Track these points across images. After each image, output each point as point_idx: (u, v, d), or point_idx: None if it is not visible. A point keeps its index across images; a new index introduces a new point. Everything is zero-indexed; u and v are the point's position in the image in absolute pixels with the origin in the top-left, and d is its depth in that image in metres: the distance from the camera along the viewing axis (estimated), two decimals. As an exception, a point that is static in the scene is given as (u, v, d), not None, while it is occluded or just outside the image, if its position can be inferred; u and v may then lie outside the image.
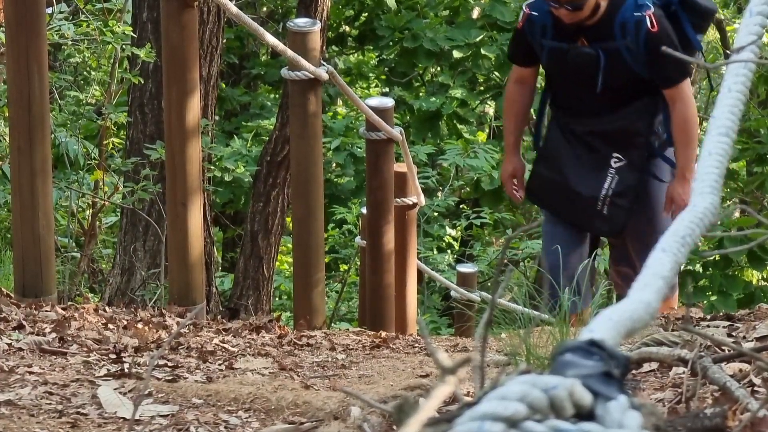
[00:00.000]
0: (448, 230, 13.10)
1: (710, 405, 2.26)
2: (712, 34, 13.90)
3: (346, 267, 12.33)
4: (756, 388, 2.42)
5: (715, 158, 1.53)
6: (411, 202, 7.60)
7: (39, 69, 4.35)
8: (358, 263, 9.15)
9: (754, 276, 10.78)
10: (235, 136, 12.71)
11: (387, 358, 3.97)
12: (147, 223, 7.99)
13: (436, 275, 9.84)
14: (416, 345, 4.47)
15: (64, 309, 4.26)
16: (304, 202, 5.69)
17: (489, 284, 11.49)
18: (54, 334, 3.72)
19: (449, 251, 12.95)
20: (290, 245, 9.50)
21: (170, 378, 3.21)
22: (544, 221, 5.09)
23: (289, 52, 5.53)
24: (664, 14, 4.76)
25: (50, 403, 2.84)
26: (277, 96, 13.88)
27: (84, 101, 8.53)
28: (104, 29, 7.97)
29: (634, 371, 2.77)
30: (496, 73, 13.02)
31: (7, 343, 3.51)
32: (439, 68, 13.83)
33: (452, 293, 9.35)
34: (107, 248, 9.42)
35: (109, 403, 2.85)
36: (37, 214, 4.37)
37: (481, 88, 13.45)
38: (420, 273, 8.64)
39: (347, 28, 14.59)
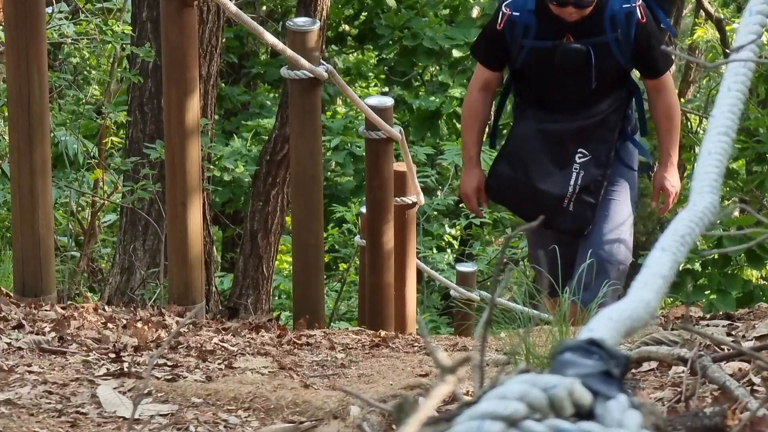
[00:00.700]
0: (448, 229, 13.10)
1: (710, 404, 2.26)
2: (711, 33, 13.90)
3: (345, 266, 12.34)
4: (755, 388, 2.42)
5: (714, 157, 1.53)
6: (410, 202, 7.60)
7: (39, 68, 4.35)
8: (358, 262, 9.15)
9: (753, 275, 10.78)
10: (235, 136, 12.71)
11: (386, 358, 3.97)
12: (146, 223, 7.99)
13: (436, 274, 9.84)
14: (416, 344, 4.47)
15: (63, 308, 4.26)
16: (304, 202, 5.69)
17: (488, 283, 11.50)
18: (53, 334, 3.72)
19: (449, 250, 12.96)
20: (290, 244, 9.50)
21: (170, 377, 3.21)
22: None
23: (289, 52, 5.53)
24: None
25: (50, 403, 2.84)
26: (276, 95, 13.88)
27: (84, 100, 8.53)
28: (104, 28, 7.97)
29: (633, 370, 2.77)
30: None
31: (6, 343, 3.51)
32: (438, 67, 13.84)
33: (452, 292, 9.35)
34: (107, 247, 9.42)
35: (108, 403, 2.85)
36: (37, 214, 4.38)
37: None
38: (419, 272, 8.64)
39: (347, 28, 14.59)
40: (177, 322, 4.42)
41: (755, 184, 9.27)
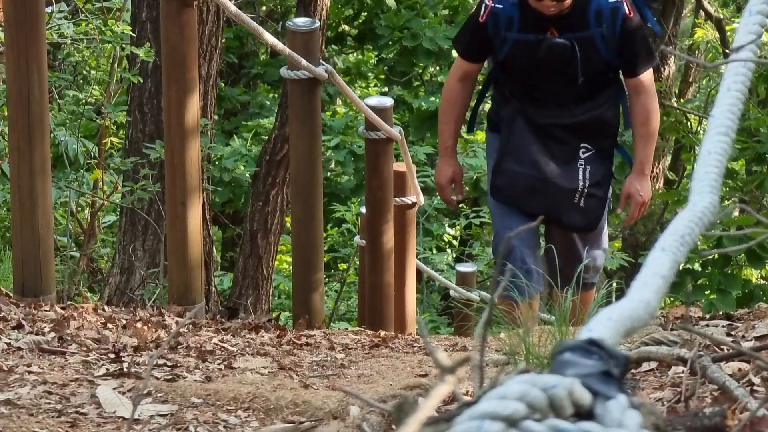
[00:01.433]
0: (448, 229, 13.10)
1: (709, 404, 2.26)
2: (711, 33, 13.90)
3: (345, 266, 12.34)
4: (755, 388, 2.42)
5: (714, 157, 1.53)
6: (410, 202, 7.60)
7: (38, 68, 4.35)
8: (358, 262, 9.15)
9: (753, 274, 10.78)
10: (235, 136, 12.72)
11: (386, 358, 3.97)
12: (146, 223, 7.99)
13: (436, 275, 9.84)
14: (415, 344, 4.47)
15: (63, 308, 4.26)
16: (304, 202, 5.69)
17: (488, 283, 11.49)
18: (53, 334, 3.72)
19: (448, 250, 12.96)
20: (290, 244, 9.50)
21: (169, 377, 3.21)
22: (497, 214, 4.85)
23: (289, 52, 5.53)
24: None
25: (49, 403, 2.84)
26: (276, 95, 13.88)
27: (83, 100, 8.53)
28: (103, 28, 7.97)
29: (633, 370, 2.77)
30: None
31: (6, 343, 3.51)
32: (438, 67, 13.84)
33: (451, 292, 9.35)
34: (106, 248, 9.42)
35: (108, 403, 2.85)
36: (37, 214, 4.37)
37: (480, 87, 13.45)
38: (419, 272, 8.64)
39: (346, 28, 14.60)
40: (177, 323, 4.42)
41: (755, 184, 9.27)
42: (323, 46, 9.22)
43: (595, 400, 1.06)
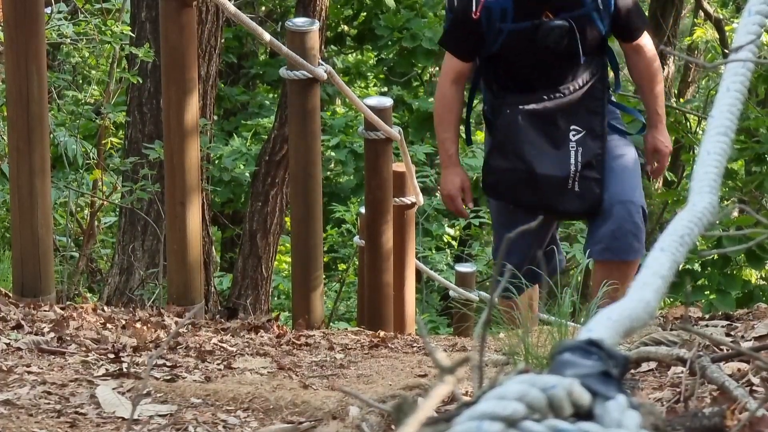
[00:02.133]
0: (447, 229, 13.11)
1: (709, 404, 2.26)
2: (711, 33, 13.90)
3: (344, 266, 12.34)
4: (754, 388, 2.42)
5: (713, 158, 1.53)
6: (409, 202, 7.60)
7: (38, 68, 4.35)
8: (357, 263, 9.15)
9: (752, 275, 10.79)
10: (235, 135, 12.72)
11: (385, 358, 3.97)
12: (146, 223, 7.99)
13: (435, 275, 9.84)
14: (415, 344, 4.47)
15: (62, 309, 4.26)
16: (303, 202, 5.69)
17: (487, 284, 11.50)
18: (52, 334, 3.72)
19: (448, 251, 12.96)
20: (289, 245, 9.51)
21: (169, 377, 3.21)
22: (498, 215, 4.78)
23: (288, 52, 5.53)
24: None
25: (49, 403, 2.84)
26: (275, 95, 13.88)
27: (83, 101, 8.53)
28: (103, 29, 7.97)
29: (632, 371, 2.77)
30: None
31: (5, 343, 3.51)
32: (437, 68, 13.83)
33: (451, 293, 9.35)
34: (106, 248, 9.42)
35: (107, 403, 2.85)
36: (36, 214, 4.37)
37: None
38: (419, 272, 8.65)
39: (346, 28, 14.60)
40: (176, 323, 4.42)
41: (754, 184, 9.27)
42: (322, 47, 9.21)
43: (595, 401, 1.06)
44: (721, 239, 7.88)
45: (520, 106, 4.58)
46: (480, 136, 12.34)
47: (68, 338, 3.71)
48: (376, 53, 14.34)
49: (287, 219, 9.96)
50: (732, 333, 3.27)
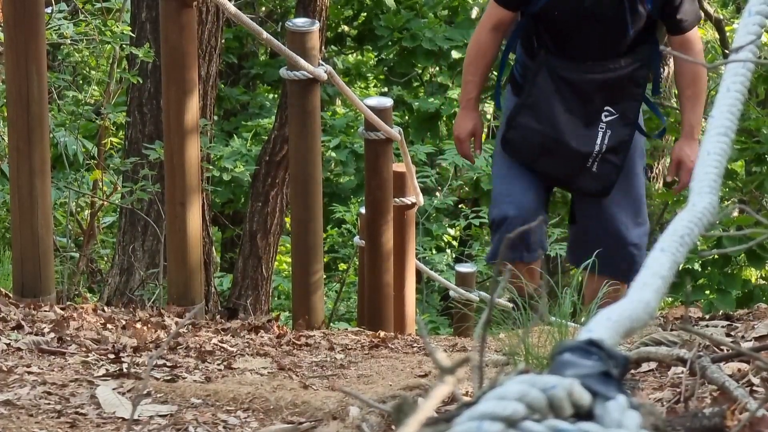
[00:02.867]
0: (447, 230, 13.11)
1: (709, 405, 2.26)
2: (711, 33, 13.90)
3: (345, 267, 12.34)
4: (755, 388, 2.42)
5: (713, 158, 1.53)
6: (410, 202, 7.61)
7: (38, 69, 4.35)
8: (357, 263, 9.15)
9: (753, 275, 10.79)
10: (235, 136, 12.72)
11: (386, 358, 3.97)
12: (146, 223, 7.99)
13: (435, 275, 9.84)
14: (415, 345, 4.47)
15: (62, 309, 4.26)
16: (303, 202, 5.69)
17: (488, 284, 11.50)
18: (53, 334, 3.72)
19: (448, 251, 12.96)
20: (289, 245, 9.51)
21: (169, 378, 3.21)
22: (498, 164, 4.64)
23: (288, 52, 5.53)
24: None
25: (49, 403, 2.84)
26: (276, 96, 13.88)
27: (83, 101, 8.53)
28: (103, 29, 7.97)
29: (632, 371, 2.77)
30: (495, 74, 13.02)
31: (5, 343, 3.51)
32: (438, 68, 13.84)
33: (451, 293, 9.36)
34: (106, 248, 9.42)
35: (107, 403, 2.85)
36: (36, 214, 4.37)
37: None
38: (419, 273, 8.65)
39: (346, 28, 14.60)
40: (176, 323, 4.42)
41: (755, 184, 9.28)
42: (323, 47, 9.22)
43: (595, 401, 1.06)
44: (721, 239, 7.88)
45: (561, 73, 4.44)
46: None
47: (68, 338, 3.71)
48: (376, 53, 14.34)
49: (287, 219, 9.96)
50: (732, 333, 3.27)
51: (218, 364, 3.57)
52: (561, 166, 4.47)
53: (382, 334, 4.99)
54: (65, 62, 9.23)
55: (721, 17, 13.92)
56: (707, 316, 3.95)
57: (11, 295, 4.43)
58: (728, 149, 1.55)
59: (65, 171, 8.40)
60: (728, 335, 3.23)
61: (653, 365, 2.79)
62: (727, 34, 13.33)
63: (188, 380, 3.22)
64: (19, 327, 3.77)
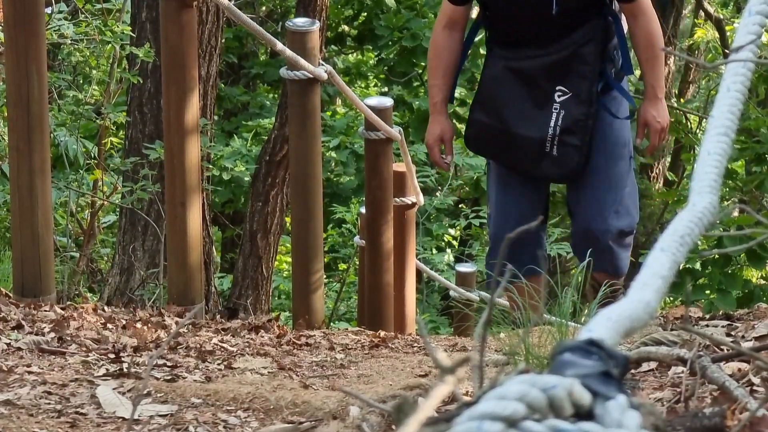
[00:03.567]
0: (448, 229, 13.11)
1: (709, 404, 2.26)
2: (711, 33, 13.90)
3: (345, 266, 12.34)
4: (755, 388, 2.42)
5: (713, 158, 1.53)
6: (410, 202, 7.61)
7: (38, 69, 4.35)
8: (357, 263, 9.15)
9: (753, 274, 10.80)
10: (235, 136, 12.72)
11: (386, 358, 3.97)
12: (146, 223, 7.99)
13: (435, 275, 9.84)
14: (415, 344, 4.47)
15: (62, 309, 4.26)
16: (303, 202, 5.69)
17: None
18: (53, 334, 3.72)
19: (448, 251, 12.96)
20: (289, 245, 9.51)
21: (169, 378, 3.21)
22: (491, 172, 4.60)
23: (288, 52, 5.53)
24: None
25: (49, 403, 2.84)
26: (276, 95, 13.89)
27: (83, 101, 8.53)
28: (103, 29, 7.97)
29: (633, 371, 2.77)
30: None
31: (6, 343, 3.51)
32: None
33: (451, 293, 9.36)
34: (106, 248, 9.43)
35: (108, 403, 2.85)
36: (36, 214, 4.37)
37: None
38: (419, 272, 8.65)
39: (346, 28, 14.60)
40: (176, 323, 4.42)
41: (755, 184, 9.28)
42: (323, 47, 9.22)
43: (595, 401, 1.06)
44: (721, 239, 7.88)
45: (504, 62, 4.39)
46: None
47: (69, 338, 3.71)
48: (376, 53, 14.34)
49: (288, 219, 9.96)
50: (732, 333, 3.27)
51: (218, 364, 3.57)
52: (518, 156, 4.40)
53: (382, 333, 4.99)
54: (65, 62, 9.23)
55: (721, 17, 13.93)
56: (707, 316, 3.95)
57: (11, 294, 4.43)
58: (728, 149, 1.55)
59: (65, 171, 8.40)
60: (728, 335, 3.23)
61: (653, 365, 2.79)
62: (727, 33, 13.34)
63: (188, 380, 3.22)
64: (19, 327, 3.77)
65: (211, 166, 9.10)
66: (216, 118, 11.42)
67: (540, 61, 4.36)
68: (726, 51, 12.87)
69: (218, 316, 5.82)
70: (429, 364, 3.64)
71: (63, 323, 3.89)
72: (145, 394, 2.89)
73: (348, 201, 12.73)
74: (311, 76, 5.56)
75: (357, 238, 8.58)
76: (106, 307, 4.69)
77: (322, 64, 5.71)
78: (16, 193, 4.43)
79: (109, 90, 8.57)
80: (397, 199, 7.33)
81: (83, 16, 8.55)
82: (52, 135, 7.35)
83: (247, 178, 11.40)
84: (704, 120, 13.45)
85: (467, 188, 13.41)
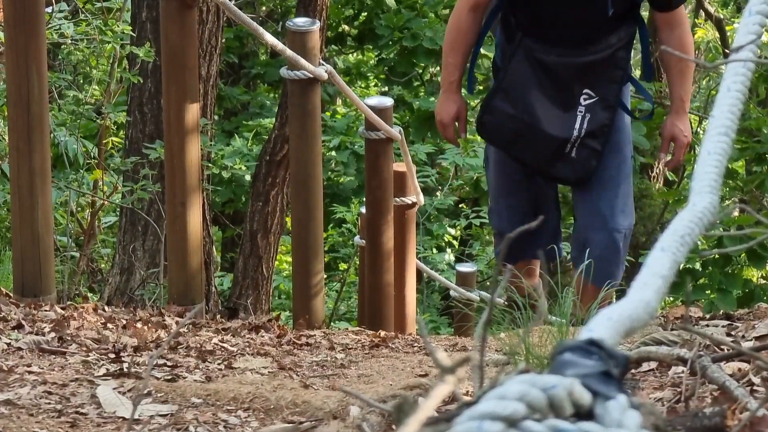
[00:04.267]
0: (448, 229, 13.11)
1: (709, 404, 2.26)
2: (711, 33, 13.90)
3: (345, 266, 12.34)
4: (755, 388, 2.42)
5: (714, 158, 1.53)
6: (410, 202, 7.61)
7: (38, 68, 4.35)
8: (358, 263, 9.16)
9: (753, 274, 10.80)
10: (236, 135, 12.72)
11: (386, 358, 3.97)
12: (146, 223, 8.00)
13: (436, 275, 9.84)
14: (415, 344, 4.47)
15: (63, 308, 4.26)
16: (304, 202, 5.69)
17: (488, 284, 11.50)
18: (53, 334, 3.72)
19: (449, 250, 12.97)
20: (290, 245, 9.51)
21: (169, 377, 3.21)
22: (492, 159, 4.55)
23: (289, 52, 5.53)
24: None
25: (49, 403, 2.84)
26: (276, 95, 13.89)
27: (83, 101, 8.53)
28: (103, 28, 7.97)
29: (633, 370, 2.77)
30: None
31: (6, 343, 3.51)
32: (438, 67, 13.83)
33: (451, 293, 9.36)
34: (106, 248, 9.43)
35: (108, 403, 2.85)
36: (36, 214, 4.37)
37: (480, 87, 13.45)
38: (419, 272, 8.65)
39: (346, 28, 14.60)
40: (177, 323, 4.42)
41: (755, 184, 9.28)
42: (323, 46, 9.22)
43: (595, 401, 1.06)
44: (722, 239, 7.88)
45: (538, 56, 4.31)
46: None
47: (69, 338, 3.71)
48: (376, 53, 14.34)
49: (288, 219, 9.96)
50: (733, 333, 3.27)
51: (219, 364, 3.57)
52: (537, 153, 4.34)
53: (382, 333, 4.99)
54: (65, 62, 9.23)
55: (722, 17, 13.92)
56: (708, 316, 3.95)
57: (11, 294, 4.43)
58: (729, 149, 1.55)
59: (65, 171, 8.40)
60: (729, 335, 3.23)
61: (653, 365, 2.79)
62: (728, 33, 13.34)
63: (189, 380, 3.22)
64: (19, 327, 3.77)
65: (210, 165, 9.10)
66: (216, 117, 11.42)
67: (573, 61, 4.29)
68: (726, 51, 12.87)
69: (218, 316, 5.82)
70: (429, 364, 3.64)
71: (63, 323, 3.89)
72: (146, 393, 2.89)
73: (348, 201, 12.73)
74: (311, 75, 5.56)
75: (357, 238, 8.59)
76: (106, 307, 4.69)
77: (323, 64, 5.71)
78: (16, 193, 4.43)
79: (110, 90, 8.58)
80: (397, 199, 7.33)
81: (83, 15, 8.55)
82: (52, 135, 7.35)
83: (247, 177, 11.40)
84: (704, 120, 13.46)
85: (467, 188, 13.40)
